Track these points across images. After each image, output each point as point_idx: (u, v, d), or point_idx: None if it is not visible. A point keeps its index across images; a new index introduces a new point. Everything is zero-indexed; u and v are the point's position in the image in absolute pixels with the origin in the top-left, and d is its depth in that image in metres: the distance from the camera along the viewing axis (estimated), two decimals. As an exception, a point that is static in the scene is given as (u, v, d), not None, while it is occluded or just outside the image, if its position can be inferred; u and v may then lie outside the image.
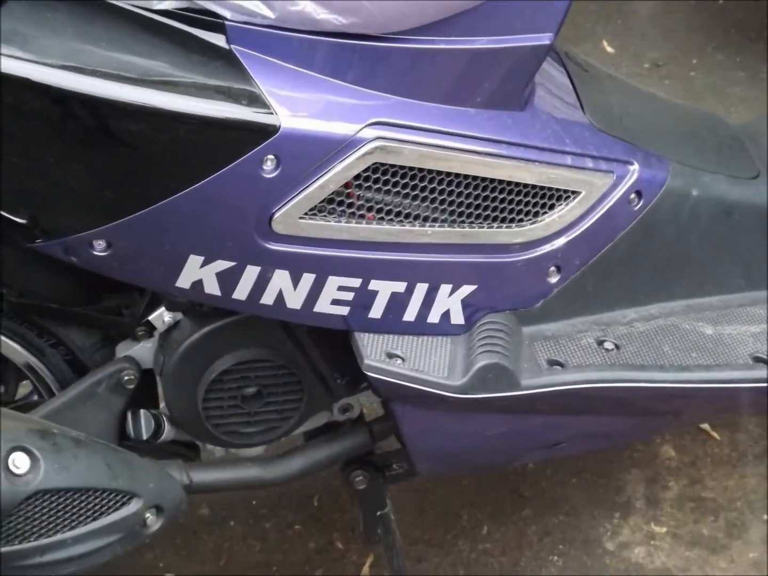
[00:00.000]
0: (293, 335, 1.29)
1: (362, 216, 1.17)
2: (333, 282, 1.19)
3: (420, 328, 1.26)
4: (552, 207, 1.24)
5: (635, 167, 1.27)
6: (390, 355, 1.23)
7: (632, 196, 1.27)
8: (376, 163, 1.13)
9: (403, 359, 1.23)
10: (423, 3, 1.09)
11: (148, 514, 1.21)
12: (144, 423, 1.34)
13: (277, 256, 1.16)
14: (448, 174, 1.17)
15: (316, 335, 1.29)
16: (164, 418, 1.35)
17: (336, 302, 1.20)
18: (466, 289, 1.25)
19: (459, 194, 1.19)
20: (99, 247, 1.13)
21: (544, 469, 1.82)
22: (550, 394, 1.25)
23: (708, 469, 1.81)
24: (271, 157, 1.09)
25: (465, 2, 1.11)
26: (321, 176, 1.12)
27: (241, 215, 1.12)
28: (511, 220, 1.23)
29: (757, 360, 1.31)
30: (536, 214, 1.24)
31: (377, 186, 1.15)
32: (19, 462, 1.10)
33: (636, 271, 1.33)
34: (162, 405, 1.37)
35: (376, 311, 1.23)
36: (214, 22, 1.07)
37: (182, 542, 1.74)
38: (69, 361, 1.35)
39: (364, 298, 1.21)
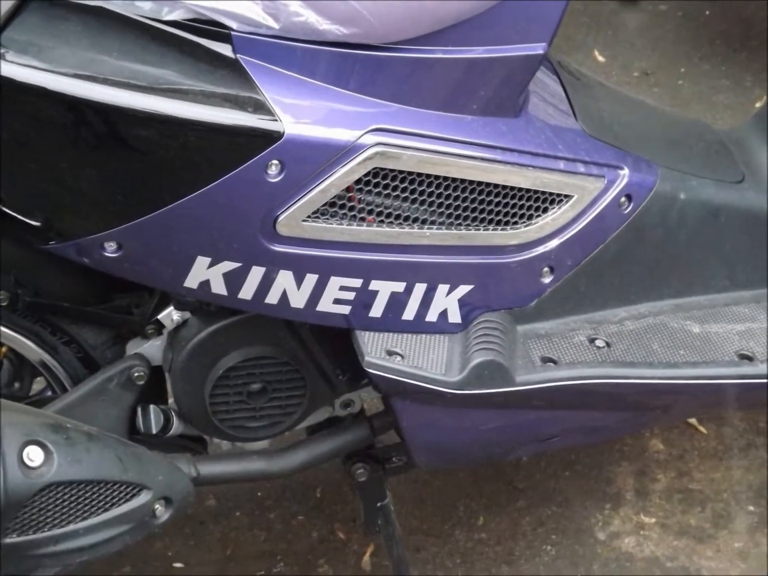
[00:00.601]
0: (297, 333, 1.29)
1: (363, 219, 1.16)
2: (335, 282, 1.19)
3: (419, 326, 1.26)
4: (545, 210, 1.24)
5: (625, 172, 1.27)
6: (390, 353, 1.23)
7: (622, 199, 1.27)
8: (376, 168, 1.13)
9: (402, 356, 1.23)
10: (421, 14, 1.09)
11: (157, 505, 1.21)
12: (153, 418, 1.34)
13: (281, 257, 1.16)
14: (446, 178, 1.17)
15: (319, 333, 1.29)
16: (173, 413, 1.35)
17: (338, 302, 1.20)
18: (463, 289, 1.24)
19: (456, 198, 1.19)
20: (110, 249, 1.13)
21: (537, 462, 1.82)
22: (543, 389, 1.25)
23: (695, 462, 1.81)
24: (275, 162, 1.09)
25: (461, 13, 1.11)
26: (323, 180, 1.11)
27: (246, 218, 1.12)
28: (506, 223, 1.23)
29: (743, 357, 1.31)
30: (530, 217, 1.23)
31: (377, 190, 1.15)
32: (34, 455, 1.10)
33: (626, 271, 1.33)
34: (171, 400, 1.36)
35: (377, 310, 1.22)
36: (221, 33, 1.07)
37: (190, 532, 1.74)
38: (81, 358, 1.35)
39: (364, 298, 1.21)
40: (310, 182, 1.11)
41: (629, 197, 1.28)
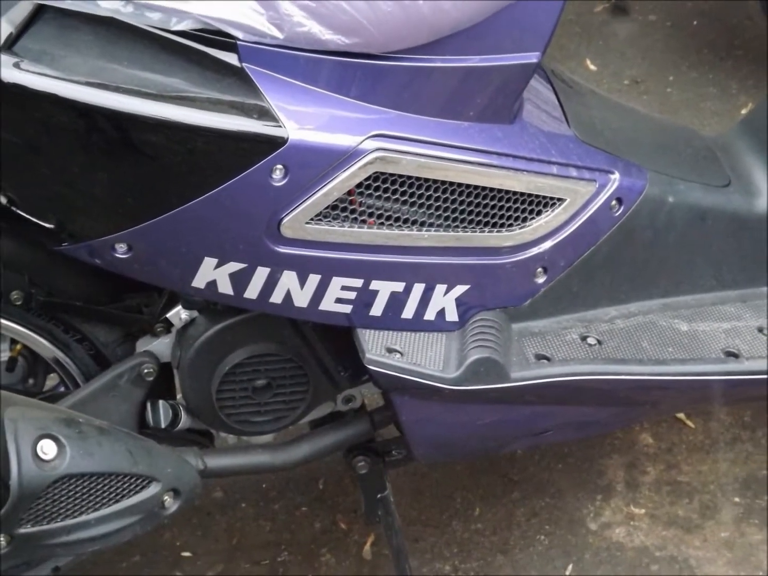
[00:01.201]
0: (300, 331, 1.29)
1: (364, 221, 1.16)
2: (337, 282, 1.19)
3: (417, 325, 1.26)
4: (539, 213, 1.24)
5: (616, 176, 1.27)
6: (389, 350, 1.23)
7: (613, 202, 1.27)
8: (376, 172, 1.13)
9: (401, 354, 1.23)
10: (419, 25, 1.09)
11: (166, 497, 1.21)
12: (162, 412, 1.34)
13: (285, 258, 1.16)
14: (444, 182, 1.17)
15: (321, 331, 1.29)
16: (181, 408, 1.35)
17: (339, 301, 1.20)
18: (460, 289, 1.24)
19: (453, 201, 1.19)
20: (121, 250, 1.13)
21: (531, 455, 1.82)
22: (537, 385, 1.25)
23: (683, 455, 1.81)
24: (279, 166, 1.09)
25: (458, 23, 1.11)
26: (326, 184, 1.11)
27: (252, 220, 1.12)
28: (502, 225, 1.23)
29: (729, 354, 1.31)
30: (524, 220, 1.23)
31: (378, 193, 1.15)
32: (47, 448, 1.10)
33: (617, 272, 1.33)
34: (179, 396, 1.36)
35: (377, 309, 1.22)
36: (227, 42, 1.07)
37: (198, 522, 1.74)
38: (93, 355, 1.35)
39: (365, 297, 1.21)
40: (313, 186, 1.11)
41: (620, 200, 1.28)
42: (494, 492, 1.77)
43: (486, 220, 1.21)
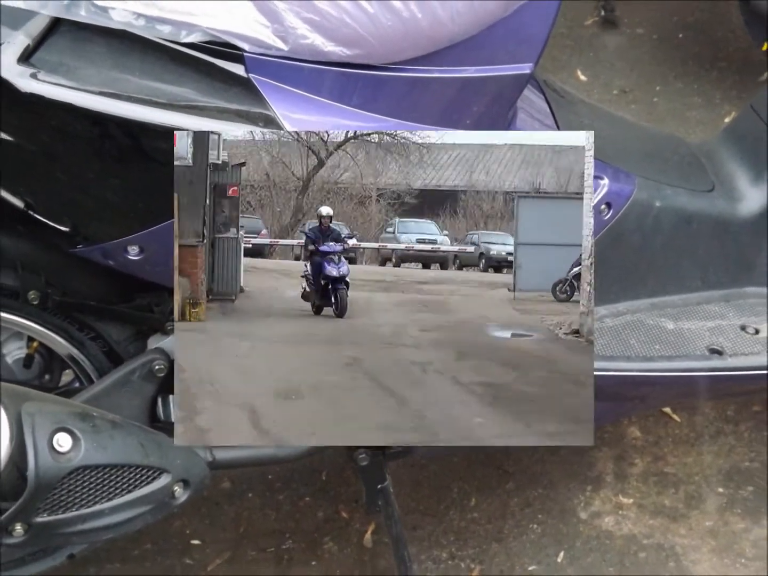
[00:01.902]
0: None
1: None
2: None
3: None
4: (532, 216, 1.24)
5: (605, 182, 1.27)
6: None
7: (603, 207, 1.27)
8: (377, 177, 1.13)
9: None
10: (418, 37, 1.09)
11: (176, 488, 1.21)
12: (173, 407, 1.34)
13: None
14: (441, 187, 1.17)
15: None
16: (190, 403, 1.35)
17: None
18: None
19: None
20: (133, 252, 1.13)
21: (525, 447, 1.81)
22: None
23: (669, 447, 1.80)
24: (284, 172, 1.09)
25: (455, 36, 1.11)
26: (328, 189, 1.11)
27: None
28: (496, 228, 1.22)
29: (713, 351, 1.31)
30: (518, 223, 1.23)
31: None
32: (63, 441, 1.10)
33: (606, 272, 1.33)
34: (188, 391, 1.36)
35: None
36: (234, 54, 1.07)
37: (206, 512, 1.73)
38: (106, 352, 1.35)
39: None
40: (316, 191, 1.11)
41: (609, 205, 1.28)
42: (489, 483, 1.77)
43: (481, 223, 1.21)
